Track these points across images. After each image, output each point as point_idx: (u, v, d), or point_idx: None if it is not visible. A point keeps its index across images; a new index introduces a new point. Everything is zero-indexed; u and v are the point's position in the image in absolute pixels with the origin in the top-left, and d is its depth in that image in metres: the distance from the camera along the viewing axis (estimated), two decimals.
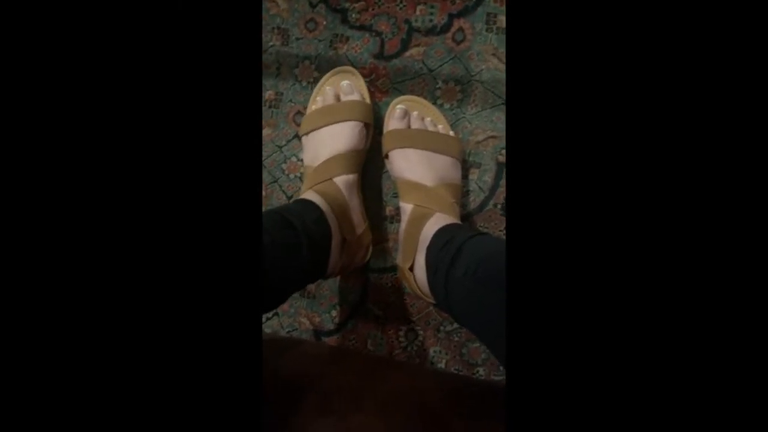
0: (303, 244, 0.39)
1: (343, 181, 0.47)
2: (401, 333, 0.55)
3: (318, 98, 0.51)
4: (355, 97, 0.49)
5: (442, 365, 0.54)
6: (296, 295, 0.57)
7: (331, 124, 0.48)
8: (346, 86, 0.49)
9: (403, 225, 0.47)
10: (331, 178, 0.47)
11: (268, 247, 0.36)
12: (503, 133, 0.51)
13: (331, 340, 0.56)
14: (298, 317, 0.57)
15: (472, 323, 0.36)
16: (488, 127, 0.52)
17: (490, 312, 0.32)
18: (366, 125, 0.49)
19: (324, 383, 0.39)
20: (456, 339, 0.54)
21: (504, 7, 0.51)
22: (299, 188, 0.55)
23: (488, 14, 0.51)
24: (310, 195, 0.45)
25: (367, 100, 0.50)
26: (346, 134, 0.48)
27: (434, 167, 0.48)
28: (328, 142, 0.48)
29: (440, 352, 0.54)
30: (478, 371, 0.53)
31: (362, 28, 0.53)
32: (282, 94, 0.56)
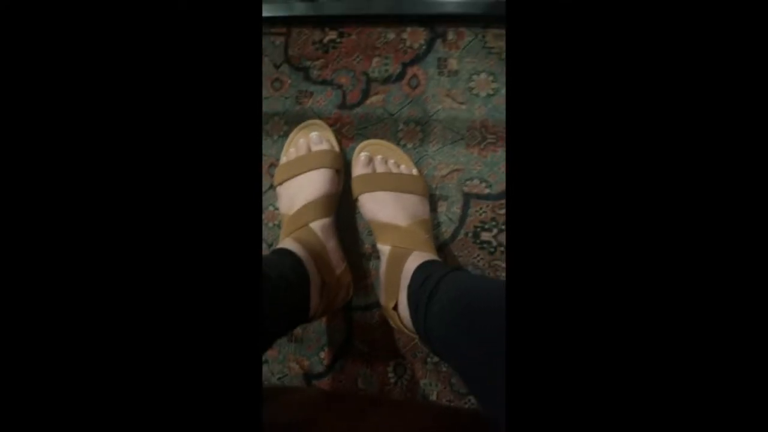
0: (280, 294, 0.39)
1: (318, 225, 0.47)
2: (390, 368, 0.53)
3: (290, 150, 0.53)
4: (324, 146, 0.50)
5: (433, 397, 0.52)
6: (283, 340, 0.56)
7: (304, 172, 0.49)
8: (315, 137, 0.51)
9: (383, 266, 0.47)
10: (306, 224, 0.47)
11: None
12: (466, 165, 0.52)
13: (321, 383, 0.54)
14: (288, 363, 0.56)
15: (449, 357, 0.35)
16: (451, 162, 0.53)
17: (465, 346, 0.31)
18: (337, 171, 0.50)
19: (314, 430, 0.37)
20: (444, 370, 0.52)
21: (453, 51, 0.53)
22: (278, 235, 0.55)
23: (438, 59, 0.53)
24: (287, 243, 0.45)
25: (336, 148, 0.51)
26: (318, 181, 0.49)
27: (404, 206, 0.48)
28: (301, 190, 0.49)
29: (430, 384, 0.53)
30: (468, 400, 0.52)
31: (324, 82, 0.55)
32: None
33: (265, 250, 0.55)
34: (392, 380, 0.53)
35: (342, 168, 0.52)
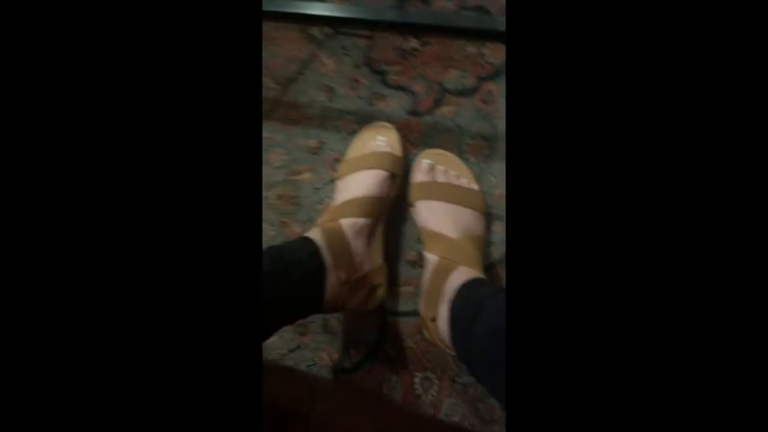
0: (293, 276, 0.39)
1: (349, 223, 0.47)
2: (417, 380, 0.52)
3: (357, 146, 0.53)
4: (385, 149, 0.50)
5: (456, 418, 0.50)
6: (318, 329, 0.56)
7: (359, 171, 0.50)
8: (379, 139, 0.51)
9: (427, 275, 0.46)
10: (337, 220, 0.47)
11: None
12: None
13: (347, 379, 0.54)
14: (319, 352, 0.56)
15: (489, 383, 0.34)
16: None
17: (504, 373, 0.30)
18: (392, 175, 0.50)
19: (353, 425, 0.37)
20: (472, 392, 0.50)
21: None
22: None
23: None
24: (312, 232, 0.45)
25: (398, 153, 0.51)
26: (366, 181, 0.49)
27: (458, 220, 0.47)
28: (350, 187, 0.49)
29: (455, 404, 0.51)
30: (493, 429, 0.49)
31: (399, 87, 0.56)
32: (324, 143, 0.59)
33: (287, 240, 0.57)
34: (417, 392, 0.52)
35: (400, 173, 0.51)
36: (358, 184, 0.49)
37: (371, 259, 0.49)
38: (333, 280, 0.43)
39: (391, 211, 0.53)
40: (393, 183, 0.51)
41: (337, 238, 0.45)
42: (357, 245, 0.47)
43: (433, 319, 0.44)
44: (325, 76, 0.59)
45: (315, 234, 0.44)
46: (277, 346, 0.58)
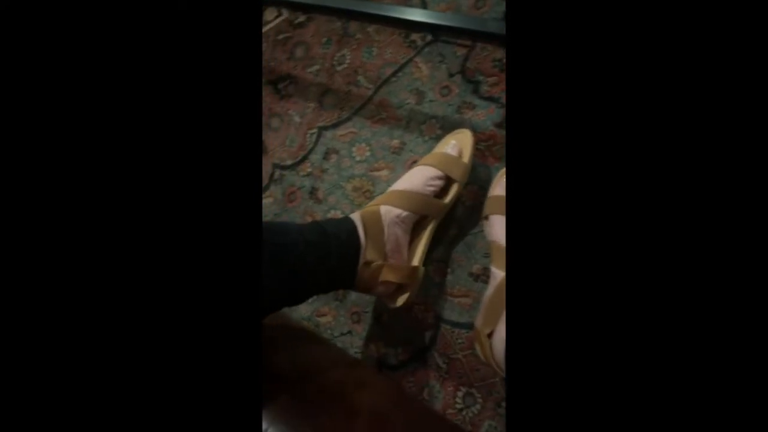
0: (332, 247, 0.41)
1: (386, 210, 0.47)
2: (459, 394, 0.51)
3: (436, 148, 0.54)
4: (452, 152, 0.50)
5: None
6: (371, 320, 0.58)
7: (419, 166, 0.51)
8: (451, 144, 0.51)
9: (491, 290, 0.45)
10: (378, 205, 0.48)
11: (300, 245, 0.39)
12: None
13: (390, 375, 0.55)
14: (368, 342, 0.58)
15: None
16: None
17: None
18: (448, 178, 0.50)
19: (380, 408, 0.38)
20: None
21: None
22: None
23: None
24: (353, 215, 0.47)
25: (465, 160, 0.50)
26: (417, 177, 0.49)
27: None
28: (403, 180, 0.50)
29: (495, 428, 0.48)
30: None
31: (490, 99, 0.55)
32: (405, 144, 0.60)
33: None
34: (458, 406, 0.50)
35: (461, 179, 0.50)
36: (409, 178, 0.50)
37: (406, 254, 0.49)
38: (364, 259, 0.45)
39: (449, 217, 0.53)
40: (449, 186, 0.50)
41: (373, 220, 0.46)
42: (391, 233, 0.47)
43: (490, 335, 0.42)
44: (417, 81, 0.61)
45: (354, 215, 0.47)
46: (330, 327, 0.60)
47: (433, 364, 0.52)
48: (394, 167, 0.60)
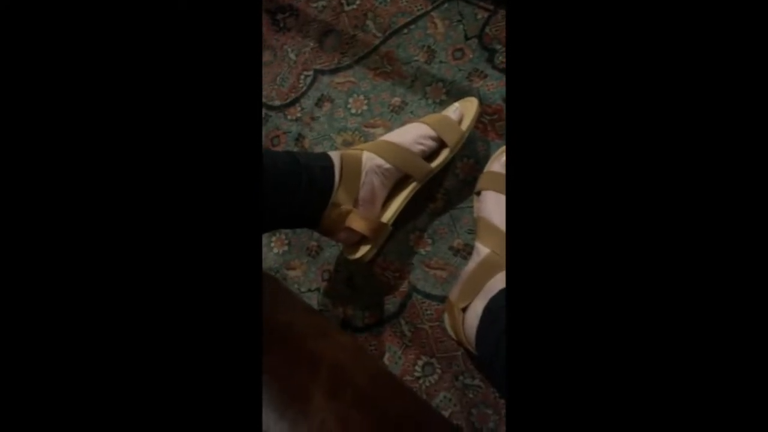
0: (302, 177, 0.39)
1: (369, 157, 0.45)
2: (420, 363, 0.51)
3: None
4: (453, 116, 0.48)
5: (446, 413, 0.49)
6: (341, 280, 0.56)
7: (415, 122, 0.48)
8: (455, 106, 0.49)
9: (472, 265, 0.44)
10: (361, 150, 0.45)
11: (269, 171, 0.36)
12: None
13: (354, 337, 0.54)
14: (336, 302, 0.56)
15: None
16: None
17: None
18: (440, 140, 0.47)
19: (340, 367, 0.37)
20: (470, 396, 0.48)
21: None
22: None
23: None
24: (332, 153, 0.45)
25: (463, 127, 0.48)
26: (410, 132, 0.47)
27: None
28: (395, 131, 0.48)
29: (449, 400, 0.49)
30: None
31: (503, 71, 0.52)
32: (407, 104, 0.57)
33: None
34: (416, 374, 0.50)
35: (453, 146, 0.48)
36: (401, 132, 0.47)
37: (378, 208, 0.47)
38: (333, 200, 0.43)
39: (438, 187, 0.51)
40: (440, 150, 0.48)
41: (352, 163, 0.44)
42: (367, 181, 0.45)
43: (464, 309, 0.42)
44: (430, 37, 0.56)
45: (334, 154, 0.44)
46: (298, 281, 0.58)
47: (398, 331, 0.52)
48: (390, 126, 0.57)
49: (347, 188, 0.43)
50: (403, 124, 0.56)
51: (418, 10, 0.58)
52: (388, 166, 0.45)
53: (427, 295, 0.51)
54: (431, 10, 0.57)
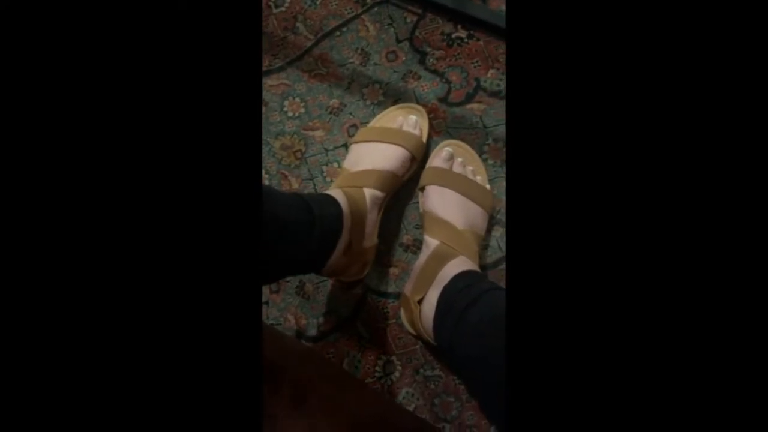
0: (315, 231, 0.37)
1: (370, 193, 0.46)
2: (380, 363, 0.51)
3: (384, 118, 0.52)
4: (416, 131, 0.50)
5: (411, 408, 0.49)
6: (291, 290, 0.54)
7: (384, 142, 0.48)
8: (412, 121, 0.50)
9: (423, 258, 0.45)
10: (361, 187, 0.46)
11: (283, 220, 0.34)
12: None
13: (310, 347, 0.52)
14: (287, 313, 0.53)
15: (468, 369, 0.33)
16: None
17: (494, 362, 0.29)
18: (413, 158, 0.49)
19: (301, 378, 0.35)
20: (432, 387, 0.49)
21: None
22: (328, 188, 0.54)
23: None
24: (336, 193, 0.44)
25: (423, 140, 0.50)
26: (392, 157, 0.48)
27: (466, 213, 0.46)
28: (373, 156, 0.48)
29: (413, 394, 0.49)
30: (444, 427, 0.48)
31: (435, 72, 0.55)
32: (345, 105, 0.57)
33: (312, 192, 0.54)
34: (377, 374, 0.50)
35: (419, 158, 0.50)
36: (383, 157, 0.48)
37: (374, 234, 0.48)
38: (343, 245, 0.42)
39: (397, 192, 0.52)
40: (410, 167, 0.50)
41: (358, 206, 0.44)
42: (371, 218, 0.46)
43: (420, 301, 0.43)
44: (363, 40, 0.57)
45: (339, 196, 0.43)
46: None
47: (355, 334, 0.51)
48: (330, 128, 0.56)
49: (355, 230, 0.43)
50: (342, 125, 0.56)
51: (349, 13, 0.58)
52: (381, 193, 0.47)
53: (382, 294, 0.51)
54: (361, 13, 0.58)
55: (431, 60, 0.55)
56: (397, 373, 0.50)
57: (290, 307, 0.53)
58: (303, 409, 0.31)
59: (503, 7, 0.54)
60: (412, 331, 0.47)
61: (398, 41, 0.56)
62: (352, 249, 0.44)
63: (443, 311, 0.38)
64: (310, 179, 0.56)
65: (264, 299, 0.54)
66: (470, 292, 0.36)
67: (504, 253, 0.50)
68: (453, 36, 0.55)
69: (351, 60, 0.57)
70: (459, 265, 0.42)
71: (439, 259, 0.43)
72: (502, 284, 0.49)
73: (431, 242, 0.45)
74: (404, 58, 0.56)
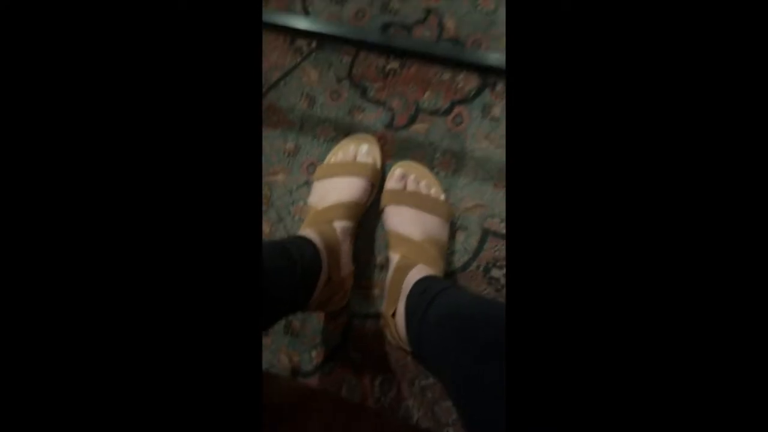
0: (297, 274, 0.40)
1: (341, 226, 0.49)
2: (377, 382, 0.52)
3: (339, 153, 0.55)
4: (369, 160, 0.53)
5: (413, 420, 0.51)
6: (279, 330, 0.55)
7: (343, 176, 0.52)
8: (364, 149, 0.54)
9: (390, 273, 0.48)
10: (331, 221, 0.49)
11: (266, 271, 0.36)
12: (490, 203, 0.54)
13: (307, 381, 0.53)
14: (279, 354, 0.55)
15: (438, 366, 0.34)
16: (477, 197, 0.55)
17: (456, 353, 0.30)
18: (372, 185, 0.53)
19: (299, 418, 0.36)
20: (430, 395, 0.51)
21: (498, 101, 0.57)
22: (299, 228, 0.56)
23: (484, 105, 0.57)
24: (308, 232, 0.47)
25: (378, 165, 0.54)
26: (353, 188, 0.51)
27: (423, 225, 0.50)
28: (335, 191, 0.51)
29: (413, 406, 0.51)
30: (447, 431, 0.50)
31: (378, 102, 0.59)
32: (301, 147, 0.60)
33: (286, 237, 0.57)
34: (377, 395, 0.52)
35: (377, 183, 0.54)
36: (345, 189, 0.51)
37: (349, 262, 0.50)
38: (323, 281, 0.44)
39: (364, 217, 0.55)
40: (371, 192, 0.53)
41: (331, 240, 0.47)
42: (344, 248, 0.49)
43: (393, 315, 0.45)
44: (307, 86, 0.62)
45: (313, 235, 0.46)
46: None
47: (348, 360, 0.53)
48: (290, 170, 0.60)
49: (332, 264, 0.46)
50: (301, 165, 0.59)
51: (289, 63, 0.63)
52: (349, 224, 0.50)
53: (365, 316, 0.54)
54: (301, 61, 0.62)
55: (372, 92, 0.60)
56: (394, 390, 0.51)
57: (281, 347, 0.55)
58: None
59: (427, 34, 0.59)
60: (396, 344, 0.49)
61: (339, 81, 0.61)
62: (332, 281, 0.46)
63: (409, 318, 0.41)
64: (280, 221, 0.58)
65: None
66: (427, 295, 0.39)
67: (471, 255, 0.53)
68: (387, 68, 0.60)
69: (299, 105, 0.61)
70: (418, 273, 0.45)
71: (401, 271, 0.46)
72: (472, 285, 0.52)
73: (393, 257, 0.48)
74: (347, 95, 0.60)
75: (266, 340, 0.55)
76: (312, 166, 0.59)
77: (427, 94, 0.58)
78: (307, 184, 0.58)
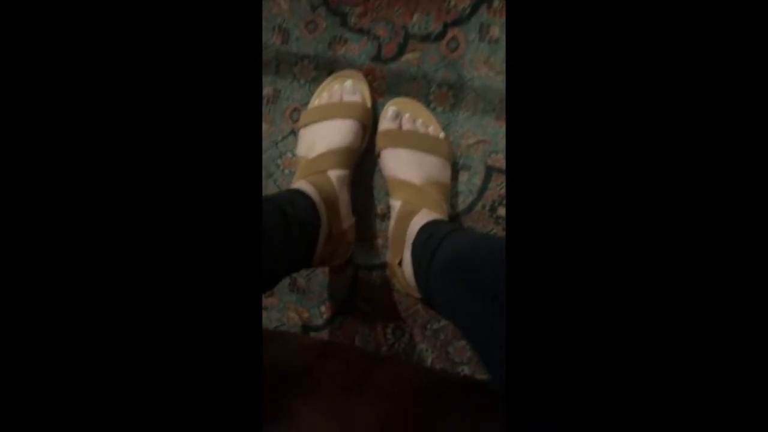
0: (294, 231, 0.37)
1: (335, 174, 0.45)
2: (389, 330, 0.52)
3: (323, 94, 0.50)
4: (356, 98, 0.48)
5: (428, 363, 0.52)
6: (285, 289, 0.54)
7: (330, 119, 0.47)
8: (349, 87, 0.48)
9: (392, 222, 0.46)
10: (325, 171, 0.45)
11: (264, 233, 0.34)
12: (493, 138, 0.50)
13: (319, 335, 0.53)
14: (287, 312, 0.54)
15: (451, 314, 0.34)
16: (478, 132, 0.51)
17: (466, 301, 0.30)
18: (363, 126, 0.48)
19: (312, 373, 0.36)
20: (442, 337, 0.52)
21: (497, 18, 0.50)
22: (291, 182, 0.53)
23: (481, 24, 0.50)
24: (302, 185, 0.43)
25: (368, 103, 0.49)
26: (343, 131, 0.47)
27: (423, 167, 0.46)
28: (325, 137, 0.46)
29: (426, 349, 0.52)
30: (462, 369, 0.51)
31: (361, 31, 0.52)
32: (280, 91, 0.54)
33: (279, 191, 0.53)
34: (390, 342, 0.52)
35: (369, 124, 0.49)
36: (334, 133, 0.46)
37: (349, 213, 0.47)
38: (323, 235, 0.42)
39: (359, 164, 0.51)
40: (364, 135, 0.49)
41: (328, 191, 0.43)
42: (343, 198, 0.46)
43: (399, 264, 0.43)
44: (278, 17, 0.53)
45: (307, 187, 0.42)
46: None
47: (357, 312, 0.52)
48: (273, 119, 0.54)
49: (331, 216, 0.43)
50: (283, 112, 0.54)
51: None
52: (345, 171, 0.46)
53: (371, 267, 0.52)
54: None
55: (353, 19, 0.52)
56: (407, 335, 0.52)
57: (289, 305, 0.54)
58: (318, 399, 0.32)
59: None
60: (404, 292, 0.49)
61: (313, 8, 0.53)
62: (333, 235, 0.44)
63: (416, 267, 0.40)
64: (269, 176, 0.54)
65: (263, 305, 0.54)
66: (433, 240, 0.37)
67: (475, 196, 0.51)
68: None
69: (272, 41, 0.54)
70: (422, 218, 0.42)
71: (404, 219, 0.43)
72: (478, 226, 0.50)
73: (395, 204, 0.46)
74: (325, 25, 0.52)
75: (272, 300, 0.54)
76: (296, 112, 0.53)
77: (415, 16, 0.51)
78: (294, 133, 0.53)
